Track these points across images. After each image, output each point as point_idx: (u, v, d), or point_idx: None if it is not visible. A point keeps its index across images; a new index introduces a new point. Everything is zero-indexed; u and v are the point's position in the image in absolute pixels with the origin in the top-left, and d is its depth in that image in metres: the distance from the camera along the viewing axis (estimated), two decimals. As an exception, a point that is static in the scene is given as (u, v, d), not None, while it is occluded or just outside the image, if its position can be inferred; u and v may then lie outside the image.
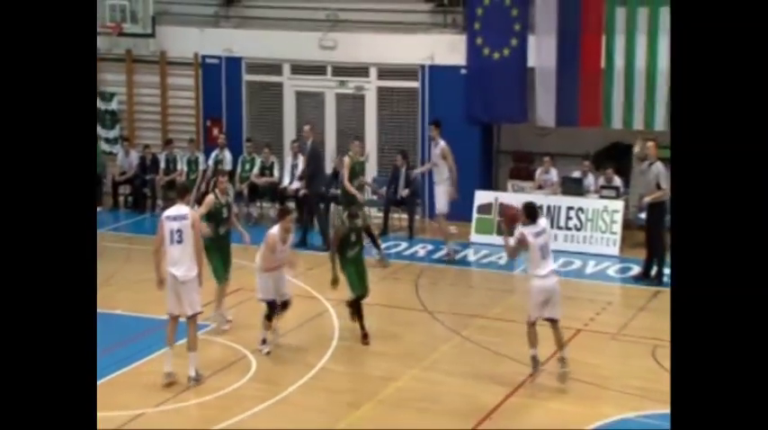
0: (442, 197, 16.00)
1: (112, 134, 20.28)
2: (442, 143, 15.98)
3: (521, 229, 10.82)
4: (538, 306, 10.81)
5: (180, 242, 10.77)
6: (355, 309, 12.33)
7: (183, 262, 10.80)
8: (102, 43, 19.77)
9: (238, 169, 18.97)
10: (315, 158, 16.86)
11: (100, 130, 20.16)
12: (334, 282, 12.27)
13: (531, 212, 10.99)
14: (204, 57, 19.56)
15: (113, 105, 20.26)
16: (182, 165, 19.18)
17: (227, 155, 19.02)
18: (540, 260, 10.80)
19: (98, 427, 9.69)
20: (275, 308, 11.75)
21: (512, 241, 10.93)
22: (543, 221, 11.16)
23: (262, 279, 11.77)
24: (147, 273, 14.62)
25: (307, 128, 17.23)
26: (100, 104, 20.18)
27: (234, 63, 19.42)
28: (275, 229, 11.55)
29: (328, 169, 17.84)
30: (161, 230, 10.87)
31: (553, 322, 10.88)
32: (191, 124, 19.93)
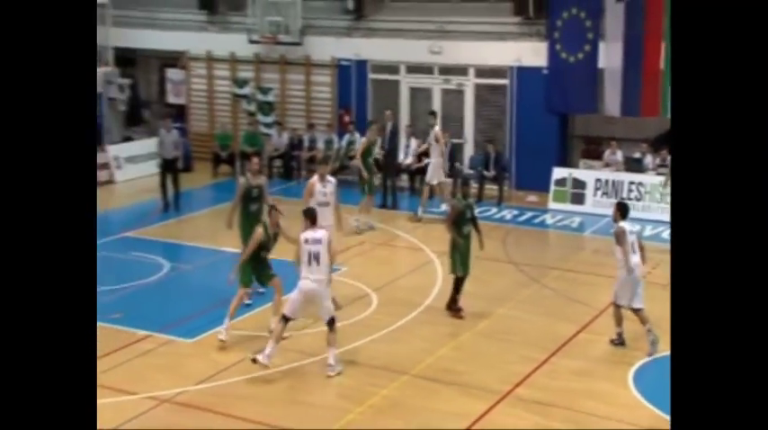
0: (433, 170, 15.79)
1: (269, 119, 20.22)
2: (436, 128, 16.06)
3: (620, 224, 9.81)
4: (629, 296, 9.81)
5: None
6: (456, 287, 11.16)
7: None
8: (262, 50, 19.95)
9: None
10: (393, 137, 16.87)
11: (259, 117, 20.19)
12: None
13: (624, 210, 10.01)
14: (339, 60, 19.37)
15: (270, 97, 20.25)
16: (320, 144, 19.04)
17: (357, 136, 18.59)
18: (632, 254, 9.77)
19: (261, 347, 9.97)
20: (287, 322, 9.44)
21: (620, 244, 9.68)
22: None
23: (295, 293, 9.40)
24: (295, 228, 14.84)
25: (387, 112, 17.25)
26: (259, 96, 20.24)
27: (361, 65, 19.28)
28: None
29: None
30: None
31: (637, 311, 9.84)
32: (327, 112, 19.81)
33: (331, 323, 9.38)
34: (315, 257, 9.28)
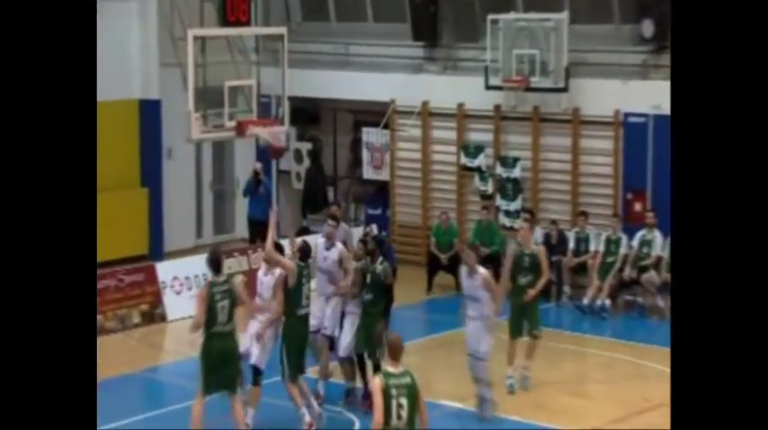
0: None
1: (513, 206, 17.86)
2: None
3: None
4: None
5: None
6: None
7: None
8: (506, 99, 17.94)
9: (666, 254, 15.60)
10: None
11: (500, 201, 18.02)
12: None
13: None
14: (627, 115, 16.77)
15: (516, 172, 17.84)
16: (596, 246, 16.08)
17: (658, 236, 15.71)
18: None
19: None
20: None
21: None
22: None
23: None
24: (553, 371, 13.40)
25: None
26: (500, 171, 18.04)
27: (664, 122, 15.83)
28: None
29: None
30: None
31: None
32: (608, 196, 17.14)
33: None
34: None
